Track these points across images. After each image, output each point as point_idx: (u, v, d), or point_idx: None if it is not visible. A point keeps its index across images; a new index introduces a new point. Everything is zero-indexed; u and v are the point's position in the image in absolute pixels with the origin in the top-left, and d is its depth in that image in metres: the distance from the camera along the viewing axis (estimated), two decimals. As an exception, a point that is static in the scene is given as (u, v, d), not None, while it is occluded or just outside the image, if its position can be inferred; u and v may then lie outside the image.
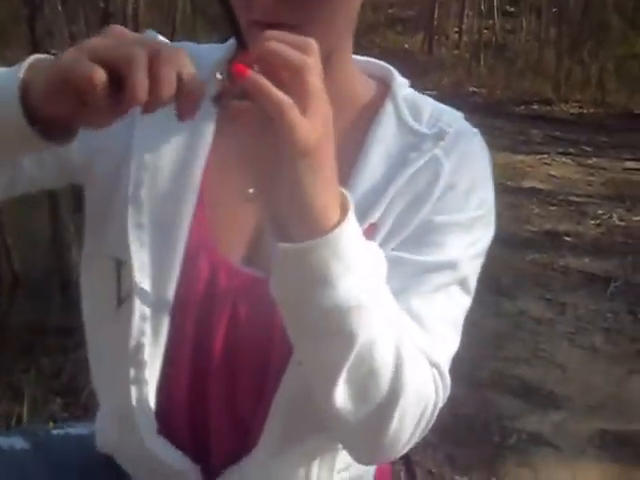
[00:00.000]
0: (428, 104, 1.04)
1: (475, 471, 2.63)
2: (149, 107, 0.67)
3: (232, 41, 1.02)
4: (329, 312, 0.76)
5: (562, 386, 3.22)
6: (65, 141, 0.78)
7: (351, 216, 0.75)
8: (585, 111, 9.43)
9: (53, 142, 0.77)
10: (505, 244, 4.63)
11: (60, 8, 4.31)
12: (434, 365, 0.91)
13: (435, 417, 0.92)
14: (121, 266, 0.94)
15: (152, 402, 0.97)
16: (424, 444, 2.63)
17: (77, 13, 4.94)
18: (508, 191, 5.87)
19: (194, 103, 0.69)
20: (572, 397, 3.14)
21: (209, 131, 0.97)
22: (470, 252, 0.97)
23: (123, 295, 0.95)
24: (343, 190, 0.77)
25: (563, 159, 7.14)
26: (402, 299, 0.90)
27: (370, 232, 0.93)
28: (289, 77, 0.69)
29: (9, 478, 1.05)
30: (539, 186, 6.23)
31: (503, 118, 8.44)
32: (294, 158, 0.70)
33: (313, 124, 0.69)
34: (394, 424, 0.85)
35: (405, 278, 0.92)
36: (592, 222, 5.42)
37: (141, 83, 0.65)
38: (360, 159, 0.98)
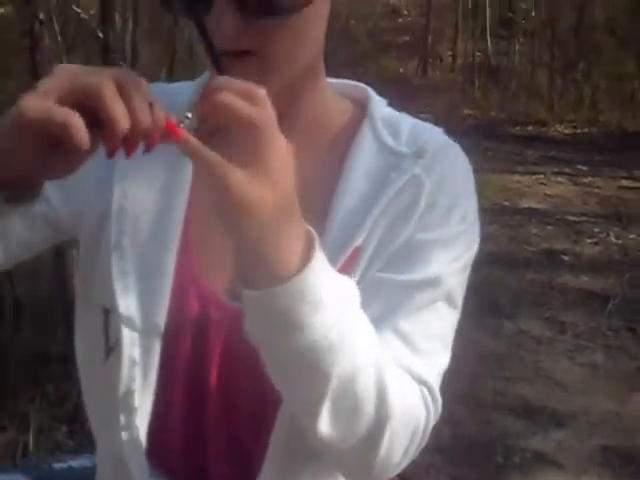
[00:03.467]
0: (406, 122, 1.02)
1: (479, 490, 2.64)
2: (130, 142, 0.65)
3: (203, 78, 1.02)
4: (301, 352, 0.75)
5: (563, 404, 3.24)
6: (31, 201, 0.76)
7: (317, 255, 0.74)
8: (579, 131, 9.49)
9: (18, 204, 0.75)
10: (503, 264, 4.67)
11: (60, 39, 4.37)
12: (423, 383, 0.91)
13: (429, 433, 0.93)
14: (108, 314, 0.94)
15: (143, 446, 0.96)
16: (427, 465, 2.64)
17: (76, 44, 4.99)
18: (505, 212, 5.92)
19: (160, 134, 0.66)
20: (573, 415, 3.16)
21: (188, 167, 0.95)
22: (454, 267, 0.96)
23: (111, 343, 0.94)
24: (307, 227, 0.75)
25: (558, 179, 7.19)
26: (388, 320, 0.90)
27: (355, 256, 0.93)
28: (237, 131, 0.67)
29: None
30: (536, 206, 6.27)
31: (498, 139, 8.50)
32: (232, 216, 0.69)
33: (257, 181, 0.67)
34: (384, 446, 0.86)
35: (390, 298, 0.92)
36: (589, 241, 5.46)
37: (120, 114, 0.62)
38: (340, 182, 0.97)
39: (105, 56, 4.86)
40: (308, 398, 0.81)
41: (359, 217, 0.95)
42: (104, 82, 0.63)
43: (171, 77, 6.27)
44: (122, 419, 0.95)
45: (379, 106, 1.03)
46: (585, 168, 7.56)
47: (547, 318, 4.10)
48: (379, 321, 0.90)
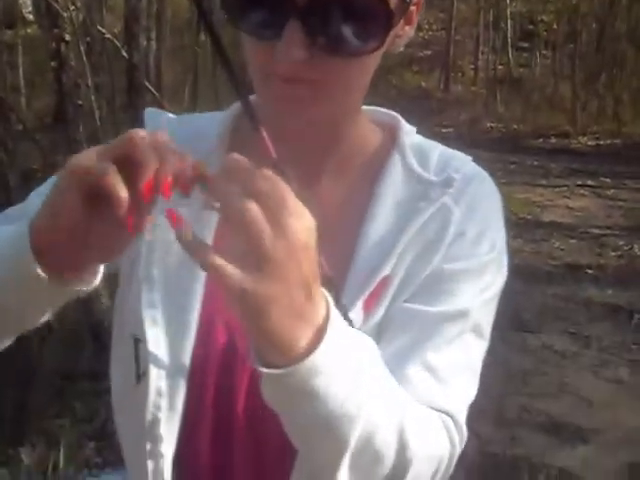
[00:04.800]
0: (435, 150, 1.02)
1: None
2: (163, 185, 0.69)
3: (233, 110, 1.02)
4: (317, 421, 0.76)
5: (588, 420, 3.22)
6: (88, 282, 0.81)
7: (332, 326, 0.73)
8: (602, 142, 9.45)
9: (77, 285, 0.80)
10: (527, 279, 4.65)
11: (85, 59, 4.43)
12: (449, 418, 0.91)
13: (454, 463, 0.93)
14: (138, 343, 0.96)
15: (168, 475, 0.97)
16: (452, 481, 2.64)
17: (102, 64, 5.06)
18: (528, 225, 5.90)
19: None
20: (599, 431, 3.14)
21: None
22: (482, 298, 0.96)
23: (141, 372, 0.96)
24: (324, 294, 0.74)
25: (582, 191, 7.16)
26: (416, 352, 0.91)
27: (383, 285, 0.94)
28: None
29: None
30: (559, 220, 6.24)
31: (521, 152, 8.47)
32: (246, 316, 0.69)
33: (266, 279, 0.67)
34: None
35: (418, 331, 0.92)
36: (613, 254, 5.43)
37: (121, 194, 0.68)
38: (369, 210, 0.97)
39: (130, 75, 4.93)
40: (326, 458, 0.81)
41: (388, 246, 0.95)
42: (133, 133, 0.69)
43: (194, 96, 6.34)
44: (148, 447, 0.96)
45: (409, 134, 1.03)
46: (609, 180, 7.52)
47: (571, 333, 4.09)
48: (406, 353, 0.91)
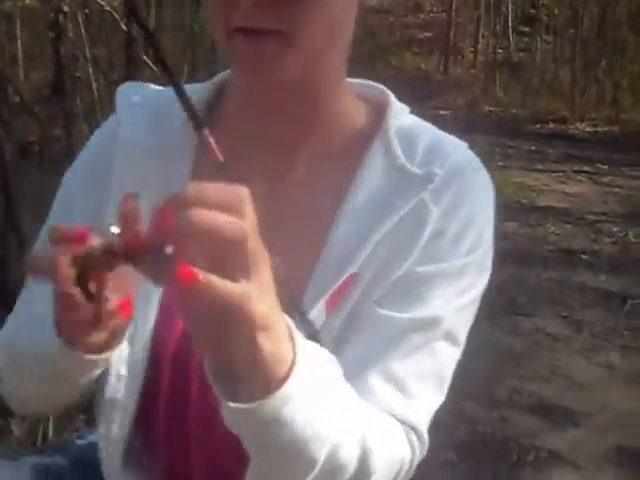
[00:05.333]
0: (425, 134, 0.95)
1: (493, 488, 2.65)
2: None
3: (211, 84, 0.98)
4: (284, 446, 0.73)
5: (579, 403, 3.23)
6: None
7: (300, 355, 0.69)
8: (600, 129, 9.44)
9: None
10: (521, 263, 4.66)
11: (83, 31, 4.40)
12: (411, 428, 0.89)
13: (414, 467, 0.92)
14: None
15: (118, 458, 0.97)
16: (441, 462, 2.65)
17: (100, 37, 5.03)
18: (524, 210, 5.91)
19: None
20: (589, 414, 3.16)
21: (181, 171, 0.94)
22: (456, 303, 0.91)
23: None
24: (288, 323, 0.70)
25: (578, 177, 7.16)
26: (380, 360, 0.87)
27: (350, 282, 0.89)
28: (219, 249, 0.61)
29: None
30: (555, 204, 6.25)
31: (518, 137, 8.46)
32: (246, 335, 0.65)
33: (259, 294, 0.64)
34: None
35: (384, 337, 0.88)
36: (608, 240, 5.44)
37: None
38: (345, 202, 0.92)
39: (128, 49, 4.90)
40: (290, 473, 0.78)
41: (359, 240, 0.90)
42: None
43: (193, 68, 6.32)
44: (102, 430, 0.96)
45: (399, 114, 0.96)
46: (605, 167, 7.52)
47: (564, 317, 4.10)
48: (371, 360, 0.88)
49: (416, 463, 0.92)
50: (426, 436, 0.91)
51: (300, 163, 0.94)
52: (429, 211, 0.90)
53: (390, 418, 0.88)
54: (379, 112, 0.96)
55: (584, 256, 5.05)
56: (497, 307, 3.99)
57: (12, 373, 0.94)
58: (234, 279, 0.61)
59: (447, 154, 0.93)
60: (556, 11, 11.63)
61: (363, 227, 0.90)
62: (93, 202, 0.96)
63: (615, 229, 5.66)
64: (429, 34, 13.13)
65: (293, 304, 0.86)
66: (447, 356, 0.93)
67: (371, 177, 0.92)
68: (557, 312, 4.14)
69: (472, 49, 12.33)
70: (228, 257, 0.61)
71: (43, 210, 1.04)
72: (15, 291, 1.00)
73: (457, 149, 0.95)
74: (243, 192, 0.62)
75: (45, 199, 1.08)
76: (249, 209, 0.62)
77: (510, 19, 11.86)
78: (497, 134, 8.01)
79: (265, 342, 0.65)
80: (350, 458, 0.80)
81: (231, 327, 0.63)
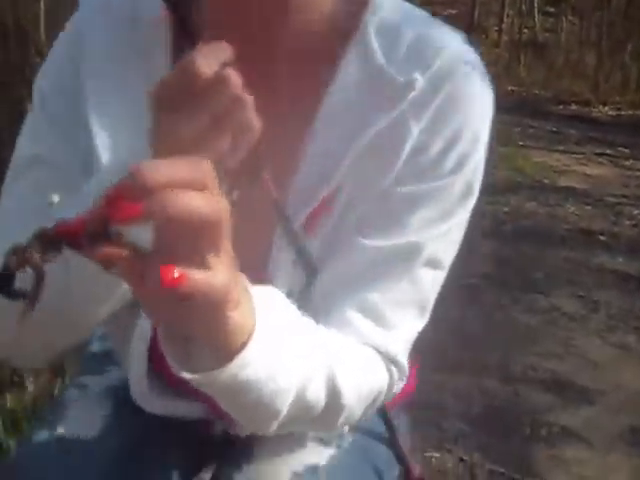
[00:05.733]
0: (412, 30, 0.86)
1: (506, 461, 2.65)
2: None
3: None
4: (248, 402, 0.72)
5: (593, 382, 3.22)
6: None
7: (259, 315, 0.67)
8: (623, 113, 9.35)
9: None
10: (540, 241, 4.64)
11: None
12: (389, 358, 0.88)
13: (397, 390, 0.92)
14: None
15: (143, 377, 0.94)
16: (455, 433, 2.66)
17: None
18: (544, 189, 5.86)
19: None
20: (603, 393, 3.15)
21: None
22: (441, 228, 0.86)
23: None
24: (246, 287, 0.66)
25: (599, 159, 7.10)
26: (356, 288, 0.85)
27: (326, 205, 0.85)
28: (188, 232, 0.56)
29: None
30: (575, 185, 6.20)
31: (541, 117, 8.39)
32: (218, 313, 0.63)
33: (229, 271, 0.60)
34: (341, 421, 0.85)
35: (360, 265, 0.85)
36: (627, 222, 5.40)
37: None
38: (319, 114, 0.85)
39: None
40: (258, 422, 0.79)
41: (334, 160, 0.83)
42: None
43: None
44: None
45: (384, 5, 0.87)
46: (627, 150, 7.45)
47: (581, 296, 4.08)
48: (347, 291, 0.85)
49: (395, 386, 0.91)
50: (405, 363, 0.90)
51: (277, 66, 0.86)
52: (409, 127, 0.83)
53: (368, 349, 0.86)
54: (364, 2, 0.87)
55: (602, 237, 5.01)
56: (514, 284, 3.98)
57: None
58: (205, 260, 0.57)
59: (434, 53, 0.84)
60: (583, -8, 11.49)
61: (339, 143, 0.84)
62: (67, 106, 0.92)
63: (635, 212, 5.61)
64: (453, 11, 13.00)
65: (287, 229, 0.83)
66: (429, 281, 0.88)
67: (347, 82, 0.84)
68: (574, 292, 4.12)
69: (497, 28, 12.20)
70: (203, 238, 0.56)
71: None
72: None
73: (446, 47, 0.86)
74: (206, 165, 0.56)
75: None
76: (215, 182, 0.56)
77: (536, -1, 11.74)
78: (519, 114, 7.93)
79: (233, 317, 0.63)
80: (318, 397, 0.79)
81: (202, 310, 0.60)
